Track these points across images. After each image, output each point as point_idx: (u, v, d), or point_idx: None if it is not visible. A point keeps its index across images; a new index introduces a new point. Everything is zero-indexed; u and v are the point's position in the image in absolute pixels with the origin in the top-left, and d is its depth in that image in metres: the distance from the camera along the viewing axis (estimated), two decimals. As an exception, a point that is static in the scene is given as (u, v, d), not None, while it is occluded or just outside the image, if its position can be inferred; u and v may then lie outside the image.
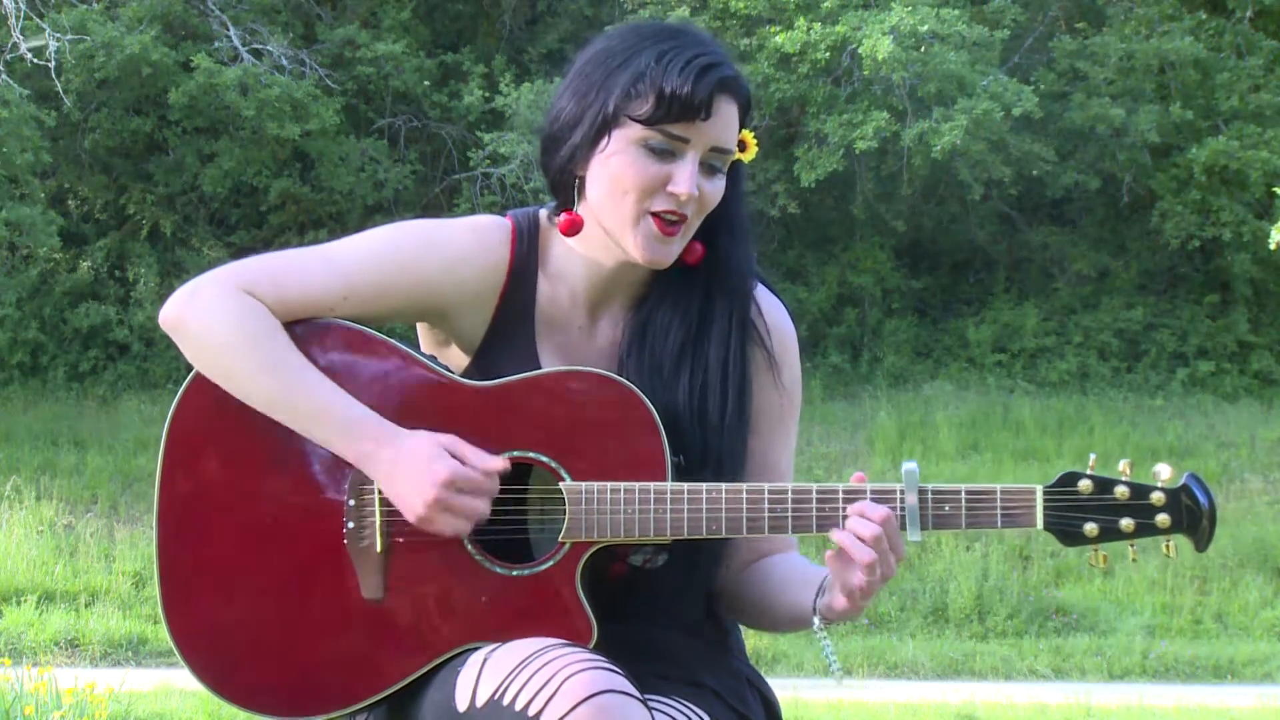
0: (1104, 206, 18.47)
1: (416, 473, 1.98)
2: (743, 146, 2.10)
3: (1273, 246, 13.50)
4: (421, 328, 2.21)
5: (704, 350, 2.12)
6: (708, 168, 2.05)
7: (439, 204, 17.52)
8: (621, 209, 2.04)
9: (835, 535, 1.99)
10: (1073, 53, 17.84)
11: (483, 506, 1.99)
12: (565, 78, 2.11)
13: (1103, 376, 16.95)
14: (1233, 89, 17.72)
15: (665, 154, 2.02)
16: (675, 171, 2.02)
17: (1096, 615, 12.06)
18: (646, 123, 2.01)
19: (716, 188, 2.06)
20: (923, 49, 15.79)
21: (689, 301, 2.13)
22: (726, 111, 2.03)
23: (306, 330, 2.07)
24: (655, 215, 2.04)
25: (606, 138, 2.03)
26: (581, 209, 2.10)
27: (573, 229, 2.10)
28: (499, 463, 1.99)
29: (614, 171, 2.03)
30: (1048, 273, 18.33)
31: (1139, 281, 18.15)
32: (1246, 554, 12.94)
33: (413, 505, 1.99)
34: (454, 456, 1.98)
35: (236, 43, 16.30)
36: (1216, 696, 9.61)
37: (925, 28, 15.65)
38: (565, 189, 2.10)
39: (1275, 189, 15.85)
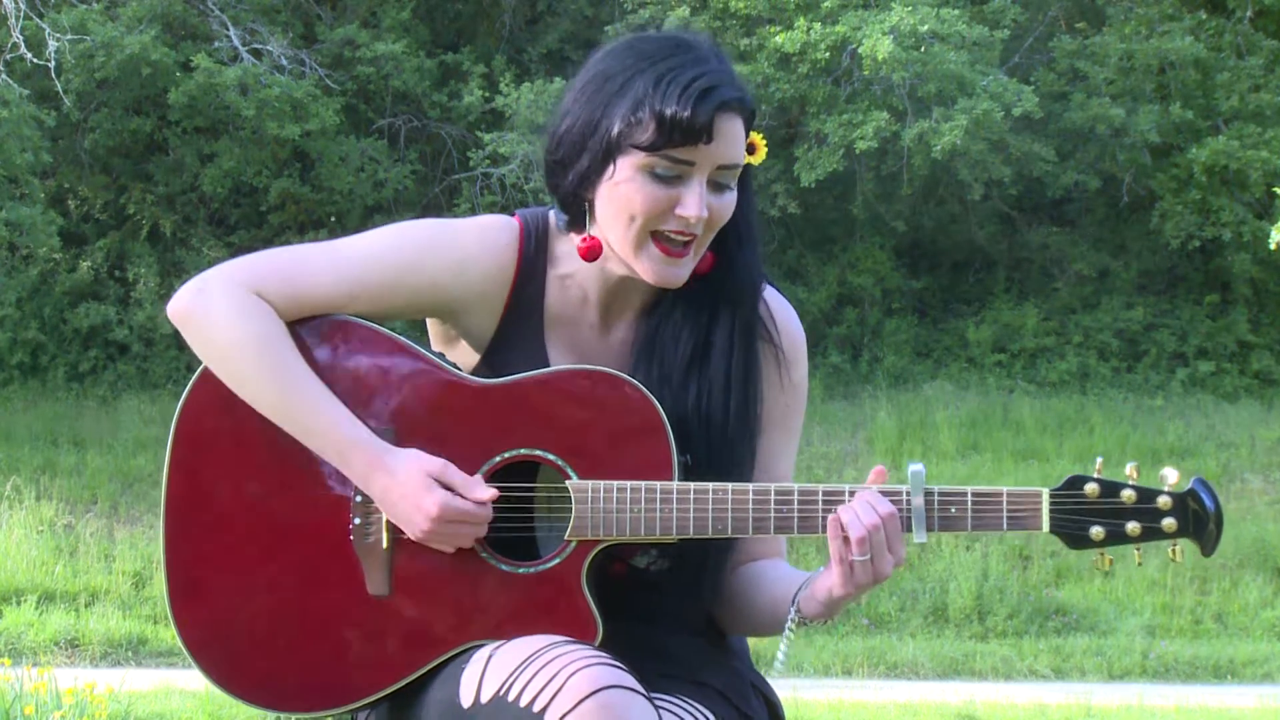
0: (1104, 206, 18.45)
1: (409, 505, 1.99)
2: (751, 150, 2.07)
3: (1273, 246, 13.48)
4: (431, 324, 2.21)
5: (711, 358, 2.11)
6: (716, 185, 2.03)
7: (439, 204, 17.49)
8: (628, 234, 2.03)
9: (839, 510, 1.98)
10: (1073, 53, 17.82)
11: (474, 535, 2.01)
12: (566, 97, 2.09)
13: (1103, 376, 16.93)
14: (1233, 89, 17.69)
15: (672, 179, 2.01)
16: (683, 194, 2.01)
17: (1096, 615, 12.04)
18: (650, 150, 1.99)
19: (727, 203, 2.05)
20: (923, 49, 15.76)
21: (698, 310, 2.12)
22: (730, 130, 2.01)
23: (316, 326, 2.07)
24: (663, 237, 2.03)
25: (612, 165, 2.02)
26: (594, 230, 2.09)
27: (592, 255, 2.09)
28: (489, 492, 2.00)
29: (622, 198, 2.02)
30: (1048, 273, 18.31)
31: (1139, 281, 18.13)
32: (1246, 554, 12.93)
33: (410, 531, 2.02)
34: (444, 486, 1.99)
35: (236, 43, 16.27)
36: (1216, 696, 9.59)
37: (925, 28, 15.63)
38: (576, 211, 2.10)
39: (1275, 189, 15.83)
